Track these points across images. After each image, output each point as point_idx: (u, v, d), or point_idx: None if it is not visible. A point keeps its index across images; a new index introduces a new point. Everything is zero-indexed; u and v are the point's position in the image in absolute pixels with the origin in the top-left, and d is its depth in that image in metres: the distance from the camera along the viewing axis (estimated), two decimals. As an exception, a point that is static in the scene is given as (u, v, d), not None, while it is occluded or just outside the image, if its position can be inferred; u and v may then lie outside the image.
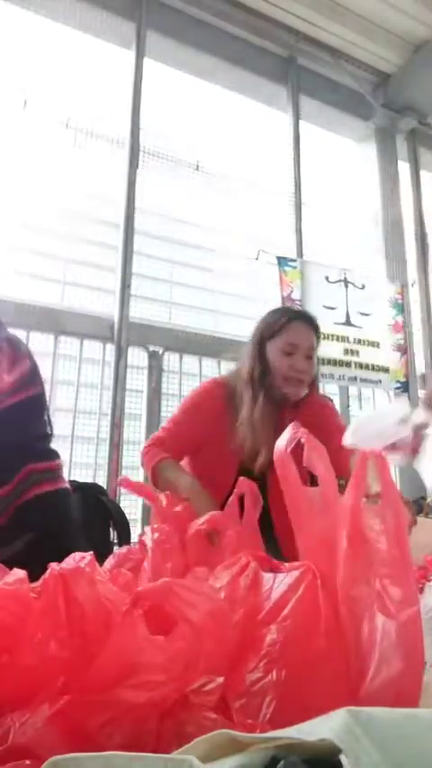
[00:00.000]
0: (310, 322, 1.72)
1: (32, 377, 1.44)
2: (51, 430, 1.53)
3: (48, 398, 1.51)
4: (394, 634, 0.54)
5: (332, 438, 1.58)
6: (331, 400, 1.86)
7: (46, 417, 1.51)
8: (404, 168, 5.24)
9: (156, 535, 0.90)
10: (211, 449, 1.64)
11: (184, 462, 1.69)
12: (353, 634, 0.57)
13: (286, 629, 0.59)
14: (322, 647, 0.57)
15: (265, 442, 1.54)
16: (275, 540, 1.46)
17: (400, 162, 5.21)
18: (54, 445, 1.55)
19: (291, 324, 1.67)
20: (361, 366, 4.27)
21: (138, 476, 3.33)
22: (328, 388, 4.29)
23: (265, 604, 0.63)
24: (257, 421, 1.59)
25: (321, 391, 4.20)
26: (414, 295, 4.96)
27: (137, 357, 3.65)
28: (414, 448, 0.95)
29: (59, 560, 0.62)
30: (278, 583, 0.64)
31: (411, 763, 0.33)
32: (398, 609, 0.55)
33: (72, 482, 1.67)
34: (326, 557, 0.63)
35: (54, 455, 1.52)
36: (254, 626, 0.62)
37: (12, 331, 1.52)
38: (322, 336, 4.64)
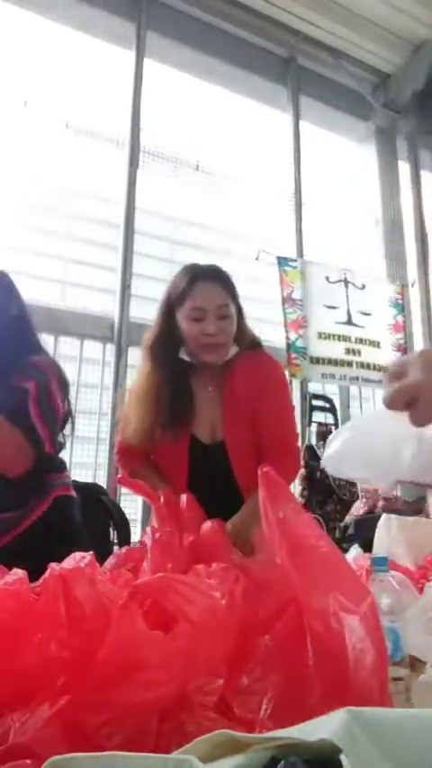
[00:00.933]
0: (215, 277, 1.57)
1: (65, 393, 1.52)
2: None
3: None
4: (359, 627, 0.57)
5: (264, 403, 1.50)
6: (273, 361, 1.68)
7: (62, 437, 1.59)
8: (404, 168, 5.24)
9: (157, 535, 0.90)
10: (159, 431, 1.56)
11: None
12: (330, 641, 0.58)
13: (280, 639, 0.60)
14: (311, 656, 0.59)
15: (147, 414, 1.52)
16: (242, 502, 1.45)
17: (400, 162, 5.21)
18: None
19: (195, 285, 1.53)
20: (362, 366, 4.27)
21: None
22: (329, 388, 4.30)
23: (256, 617, 0.65)
24: (140, 391, 1.57)
25: (322, 391, 4.23)
26: (414, 295, 4.96)
27: (137, 357, 3.64)
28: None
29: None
30: (264, 603, 0.66)
31: (411, 762, 0.33)
32: (355, 603, 0.59)
33: (72, 482, 1.69)
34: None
35: (64, 468, 1.61)
36: (249, 634, 0.62)
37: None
38: (323, 336, 4.57)
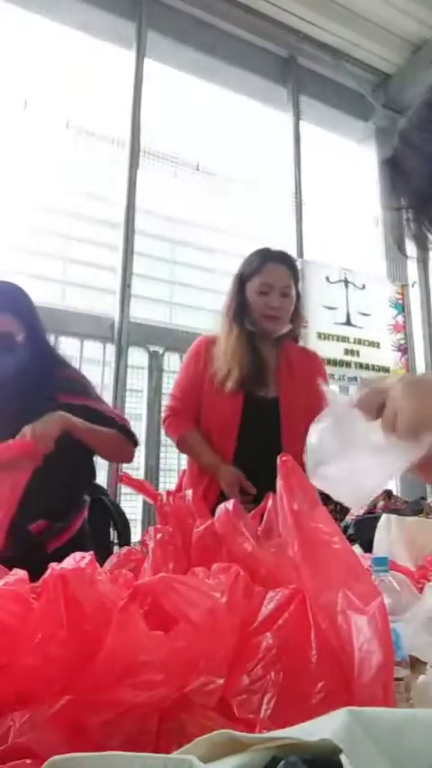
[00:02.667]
0: (284, 261, 1.84)
1: None
2: None
3: None
4: (367, 627, 0.56)
5: (316, 390, 1.71)
6: (317, 354, 2.00)
7: None
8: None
9: (158, 535, 0.90)
10: (212, 396, 1.78)
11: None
12: (335, 639, 0.58)
13: (281, 638, 0.60)
14: (314, 653, 0.58)
15: (237, 360, 1.74)
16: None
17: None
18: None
19: (266, 264, 1.80)
20: (361, 366, 4.27)
21: (138, 475, 3.34)
22: (329, 389, 4.29)
23: (258, 615, 0.64)
24: (229, 345, 1.77)
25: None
26: (414, 295, 4.96)
27: (137, 357, 3.65)
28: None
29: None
30: (269, 599, 0.65)
31: (411, 763, 0.33)
32: (364, 603, 0.58)
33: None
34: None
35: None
36: (250, 633, 0.62)
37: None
38: (322, 336, 4.64)
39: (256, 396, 1.76)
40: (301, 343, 2.06)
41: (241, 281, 1.83)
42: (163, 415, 1.90)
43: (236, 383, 1.73)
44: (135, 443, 1.68)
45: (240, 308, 1.81)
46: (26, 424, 1.41)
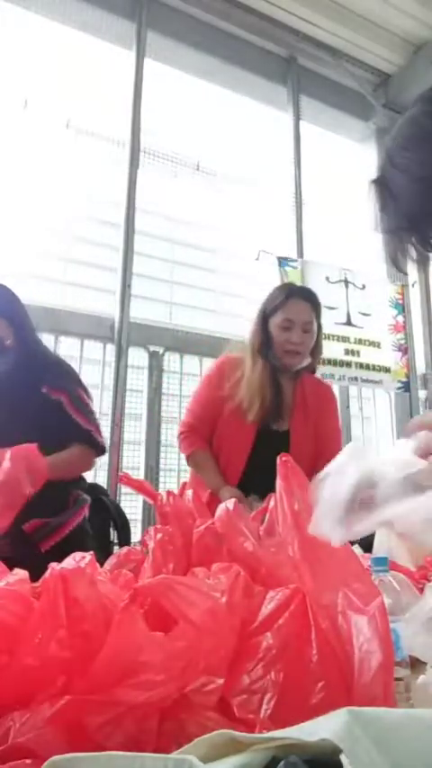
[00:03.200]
0: (307, 298, 1.91)
1: None
2: None
3: None
4: (368, 627, 0.56)
5: (324, 421, 1.86)
6: (331, 387, 2.13)
7: None
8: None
9: (159, 536, 0.90)
10: (230, 417, 1.85)
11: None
12: (335, 639, 0.58)
13: (281, 637, 0.60)
14: (314, 653, 0.58)
15: (260, 395, 1.82)
16: None
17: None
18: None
19: (288, 301, 1.87)
20: (362, 366, 4.27)
21: (138, 476, 3.34)
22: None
23: (258, 615, 0.64)
24: (254, 379, 1.83)
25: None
26: (414, 295, 4.96)
27: (137, 357, 3.65)
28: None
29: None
30: (269, 599, 0.65)
31: (411, 763, 0.33)
32: (365, 603, 0.58)
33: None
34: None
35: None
36: (250, 632, 0.62)
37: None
38: (323, 336, 4.72)
39: (270, 428, 1.85)
40: None
41: (264, 316, 1.90)
42: (179, 428, 1.96)
43: (256, 416, 1.82)
44: (99, 452, 1.71)
45: (264, 343, 1.88)
46: (17, 425, 1.43)
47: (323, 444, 1.88)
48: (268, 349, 1.87)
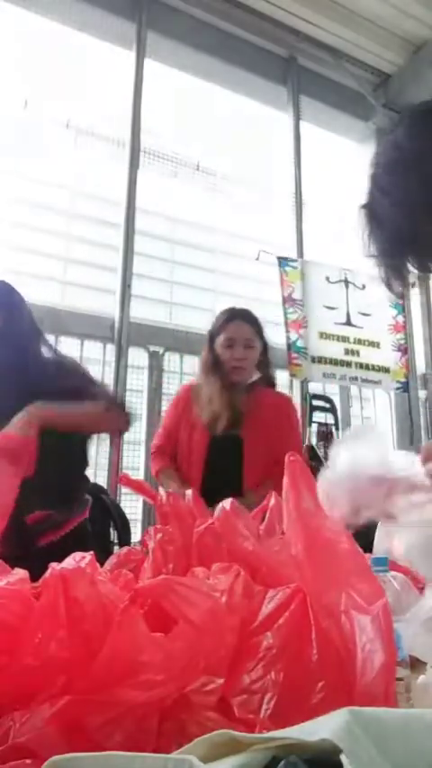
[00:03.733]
0: (244, 317, 2.12)
1: None
2: None
3: None
4: (370, 627, 0.56)
5: (279, 430, 2.00)
6: (290, 398, 2.33)
7: None
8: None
9: (159, 536, 0.90)
10: (187, 432, 2.07)
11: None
12: (337, 638, 0.58)
13: (282, 637, 0.60)
14: (315, 653, 0.58)
15: (222, 409, 1.99)
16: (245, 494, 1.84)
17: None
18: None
19: (229, 323, 2.08)
20: (361, 366, 4.27)
21: (138, 476, 3.34)
22: (329, 388, 4.30)
23: (258, 615, 0.64)
24: (213, 395, 2.02)
25: (322, 391, 4.23)
26: (414, 295, 4.96)
27: (137, 357, 3.65)
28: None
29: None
30: (269, 599, 0.65)
31: (411, 763, 0.33)
32: (368, 603, 0.58)
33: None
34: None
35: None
36: (250, 632, 0.62)
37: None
38: (323, 336, 4.72)
39: (222, 435, 2.01)
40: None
41: (211, 337, 2.11)
42: (152, 449, 2.19)
43: (208, 425, 2.01)
44: (128, 416, 1.77)
45: (213, 362, 2.07)
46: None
47: (279, 451, 1.94)
48: (217, 367, 2.06)
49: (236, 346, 2.04)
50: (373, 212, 0.77)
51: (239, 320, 2.09)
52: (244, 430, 2.02)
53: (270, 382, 2.21)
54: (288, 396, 2.35)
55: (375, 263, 0.79)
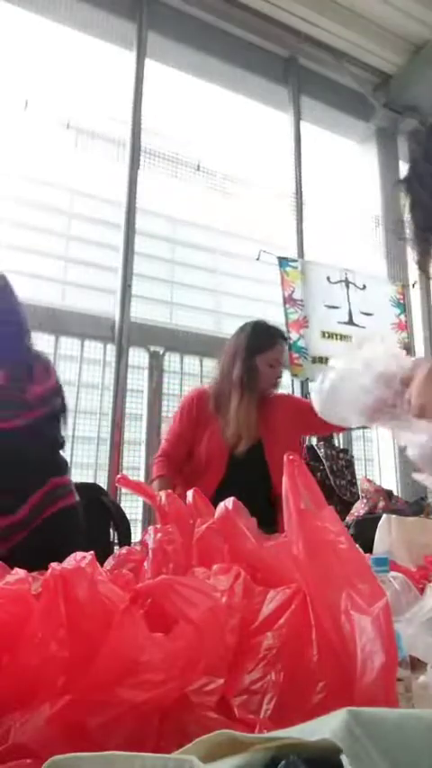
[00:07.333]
0: (284, 338, 2.29)
1: (59, 391, 1.63)
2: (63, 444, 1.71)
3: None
4: (370, 628, 0.56)
5: (308, 412, 2.08)
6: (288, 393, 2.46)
7: (63, 433, 1.63)
8: (405, 169, 5.21)
9: (158, 536, 0.90)
10: (204, 444, 2.05)
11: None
12: (337, 639, 0.58)
13: (282, 637, 0.60)
14: (315, 653, 0.58)
15: (247, 428, 2.03)
16: (273, 506, 1.86)
17: (401, 162, 5.21)
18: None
19: (277, 344, 2.19)
20: (362, 366, 4.26)
21: (138, 476, 3.34)
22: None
23: (258, 615, 0.64)
24: (242, 414, 2.05)
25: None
26: (414, 296, 4.96)
27: (138, 357, 3.65)
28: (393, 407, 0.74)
29: None
30: (270, 599, 0.65)
31: (411, 763, 0.33)
32: (369, 604, 0.58)
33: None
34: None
35: (66, 468, 1.61)
36: (250, 632, 0.62)
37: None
38: (326, 335, 4.84)
39: (245, 450, 2.05)
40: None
41: (251, 351, 2.13)
42: (157, 453, 2.16)
43: (235, 444, 2.04)
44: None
45: (252, 377, 2.09)
46: None
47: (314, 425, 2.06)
48: (255, 382, 2.09)
49: (278, 367, 2.17)
50: (415, 197, 0.77)
51: (283, 341, 2.24)
52: (264, 436, 2.06)
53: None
54: (288, 394, 2.46)
55: (413, 241, 0.79)
